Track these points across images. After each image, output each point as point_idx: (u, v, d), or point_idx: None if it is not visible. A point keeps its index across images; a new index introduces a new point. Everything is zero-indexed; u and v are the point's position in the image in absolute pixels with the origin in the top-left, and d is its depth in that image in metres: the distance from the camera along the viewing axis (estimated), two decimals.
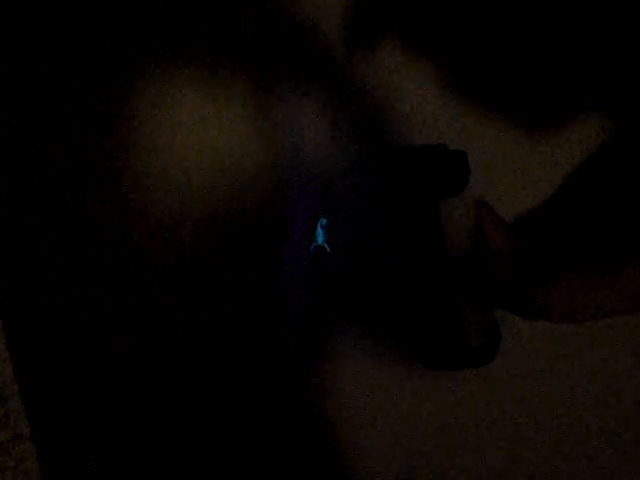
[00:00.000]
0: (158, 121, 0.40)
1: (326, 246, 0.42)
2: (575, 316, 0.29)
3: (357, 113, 0.40)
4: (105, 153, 0.40)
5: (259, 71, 0.40)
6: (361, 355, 0.43)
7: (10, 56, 0.40)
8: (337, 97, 0.40)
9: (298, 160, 0.41)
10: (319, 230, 0.42)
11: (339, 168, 0.41)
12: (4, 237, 0.42)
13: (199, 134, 0.41)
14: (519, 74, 0.39)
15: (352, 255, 0.42)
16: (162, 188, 0.41)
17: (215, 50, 0.40)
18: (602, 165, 0.38)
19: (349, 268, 0.42)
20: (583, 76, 0.36)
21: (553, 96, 0.38)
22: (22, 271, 0.43)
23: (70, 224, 0.41)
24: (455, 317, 0.36)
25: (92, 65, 0.39)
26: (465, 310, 0.36)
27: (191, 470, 0.45)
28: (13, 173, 0.41)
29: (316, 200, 0.42)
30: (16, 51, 0.40)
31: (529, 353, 0.43)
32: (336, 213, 0.42)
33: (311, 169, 0.41)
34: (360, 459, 0.45)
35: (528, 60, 0.38)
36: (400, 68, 0.40)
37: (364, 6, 0.39)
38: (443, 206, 0.34)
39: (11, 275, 0.43)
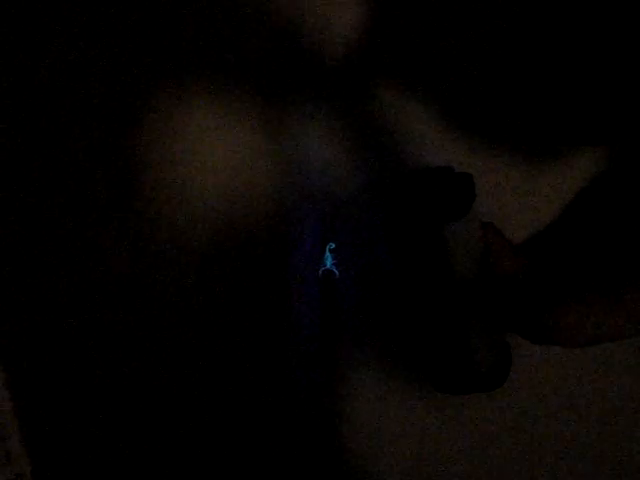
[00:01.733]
0: (166, 141, 0.40)
1: (334, 270, 0.42)
2: (579, 340, 0.30)
3: (365, 136, 0.40)
4: (112, 168, 0.40)
5: (268, 94, 0.39)
6: (371, 378, 0.43)
7: (18, 67, 0.39)
8: (345, 120, 0.40)
9: (306, 183, 0.41)
10: (327, 254, 0.42)
11: (347, 191, 0.41)
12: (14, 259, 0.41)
13: (206, 156, 0.40)
14: (526, 97, 0.39)
15: (361, 279, 0.42)
16: (164, 207, 0.41)
17: (226, 71, 0.39)
18: (604, 190, 0.38)
19: (358, 292, 0.42)
20: (588, 102, 0.36)
21: (560, 122, 0.39)
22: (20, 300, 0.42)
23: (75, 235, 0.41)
24: (463, 341, 0.36)
25: (101, 81, 0.39)
26: (474, 334, 0.36)
27: None
28: (23, 185, 0.40)
29: (324, 224, 0.41)
30: (22, 60, 0.39)
31: (541, 376, 0.43)
32: (344, 237, 0.41)
33: (319, 192, 0.41)
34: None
35: (535, 83, 0.39)
36: (407, 91, 0.39)
37: (370, 28, 0.39)
38: (450, 228, 0.34)
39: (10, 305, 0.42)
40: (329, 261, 0.41)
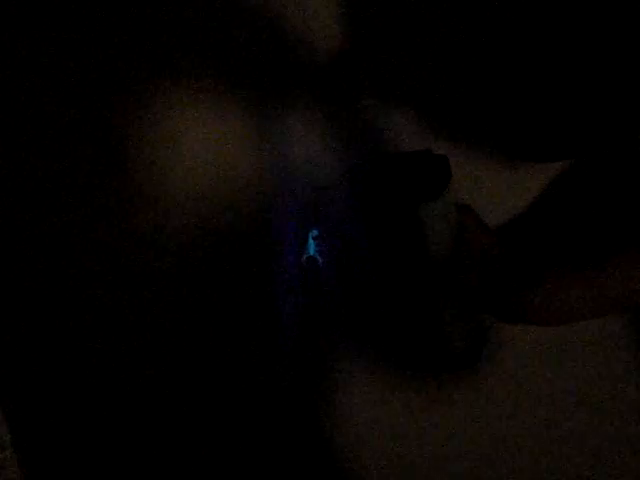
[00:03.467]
0: (157, 138, 0.41)
1: (317, 257, 0.42)
2: (555, 318, 0.30)
3: (347, 125, 0.41)
4: (104, 168, 0.40)
5: (253, 86, 0.40)
6: (357, 368, 0.43)
7: (19, 76, 0.40)
8: (327, 109, 0.41)
9: (289, 172, 0.42)
10: (310, 241, 0.42)
11: (330, 179, 0.41)
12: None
13: (191, 144, 0.41)
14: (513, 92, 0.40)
15: (343, 264, 0.42)
16: (152, 200, 0.41)
17: (212, 70, 0.40)
18: (586, 171, 0.39)
19: (341, 277, 0.42)
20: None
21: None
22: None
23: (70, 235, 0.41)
24: (436, 320, 0.37)
25: (95, 83, 0.40)
26: (448, 313, 0.37)
27: None
28: (23, 195, 0.40)
29: (307, 212, 0.42)
30: (23, 68, 0.40)
31: (531, 368, 0.43)
32: (326, 224, 0.42)
33: (302, 180, 0.41)
34: None
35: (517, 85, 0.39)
36: (389, 80, 0.41)
37: (353, 24, 0.40)
38: (425, 208, 0.35)
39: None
40: (312, 248, 0.42)
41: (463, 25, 0.40)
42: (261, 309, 0.42)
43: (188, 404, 0.42)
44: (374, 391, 0.43)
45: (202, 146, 0.41)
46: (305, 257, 0.42)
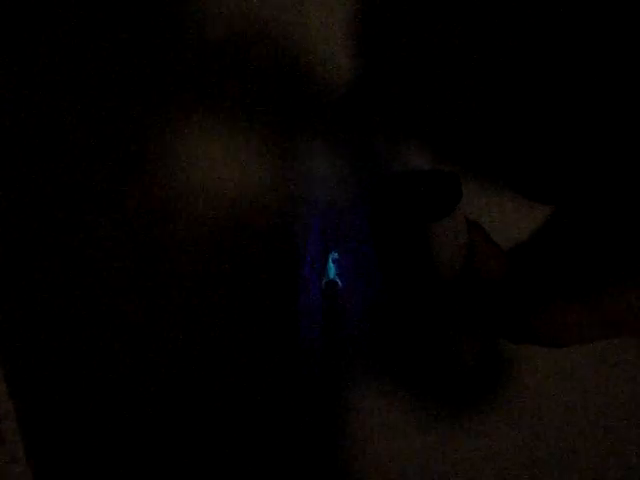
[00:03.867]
0: (175, 152, 0.38)
1: (338, 280, 0.39)
2: (560, 340, 0.31)
3: (367, 144, 0.38)
4: (113, 164, 0.39)
5: (271, 104, 0.38)
6: (374, 392, 0.42)
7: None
8: (345, 128, 0.38)
9: (308, 193, 0.39)
10: (330, 264, 0.39)
11: (349, 200, 0.39)
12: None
13: (209, 162, 0.38)
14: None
15: (364, 288, 0.40)
16: (164, 207, 0.39)
17: (232, 85, 0.38)
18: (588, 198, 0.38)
19: (362, 301, 0.40)
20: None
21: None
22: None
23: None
24: (446, 337, 0.37)
25: (114, 96, 0.38)
26: (457, 330, 0.36)
27: None
28: (21, 179, 0.39)
29: (327, 234, 0.39)
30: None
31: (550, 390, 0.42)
32: (347, 246, 0.39)
33: (321, 202, 0.39)
34: None
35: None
36: (403, 98, 0.38)
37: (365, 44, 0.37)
38: (434, 227, 0.33)
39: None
40: (332, 272, 0.39)
41: (475, 50, 0.38)
42: (279, 333, 0.40)
43: (195, 413, 0.42)
44: (389, 416, 0.42)
45: (221, 163, 0.38)
46: (325, 281, 0.39)
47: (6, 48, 0.37)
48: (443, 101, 0.38)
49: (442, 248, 0.34)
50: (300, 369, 0.41)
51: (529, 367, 0.42)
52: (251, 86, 0.38)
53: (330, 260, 0.38)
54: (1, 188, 0.39)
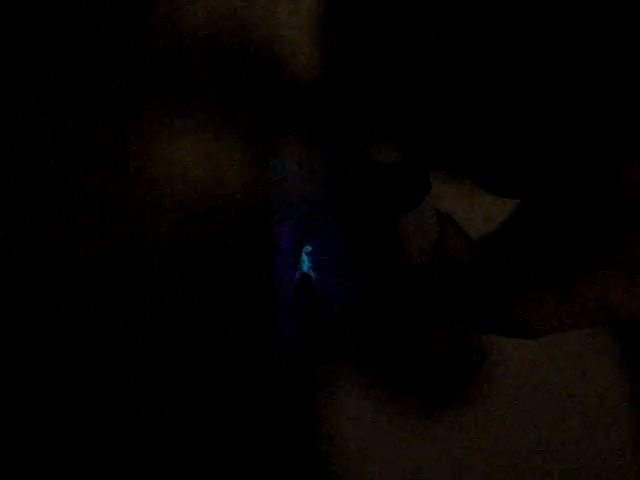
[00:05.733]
0: (150, 150, 0.38)
1: (311, 273, 0.39)
2: (531, 331, 0.30)
3: (340, 135, 0.38)
4: (95, 190, 0.38)
5: (244, 97, 0.37)
6: (353, 390, 0.42)
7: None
8: (321, 121, 0.37)
9: (280, 186, 0.38)
10: (304, 257, 0.39)
11: (320, 195, 0.38)
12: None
13: (179, 155, 0.38)
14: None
15: (337, 280, 0.39)
16: (143, 208, 0.39)
17: (209, 85, 0.37)
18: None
19: (336, 295, 0.40)
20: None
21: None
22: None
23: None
24: (418, 330, 0.37)
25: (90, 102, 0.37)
26: (429, 323, 0.36)
27: None
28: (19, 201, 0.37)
29: (300, 227, 0.39)
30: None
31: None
32: (320, 239, 0.39)
33: (294, 195, 0.38)
34: None
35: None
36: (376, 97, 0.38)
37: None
38: (402, 219, 0.33)
39: None
40: (306, 265, 0.39)
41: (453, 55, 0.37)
42: (252, 327, 0.40)
43: (177, 422, 0.41)
44: (371, 420, 0.42)
45: (194, 159, 0.38)
46: (298, 274, 0.39)
47: None
48: (412, 94, 0.38)
49: (411, 241, 0.34)
50: (275, 362, 0.40)
51: (504, 358, 0.42)
52: (223, 83, 0.37)
53: (303, 253, 0.38)
54: None
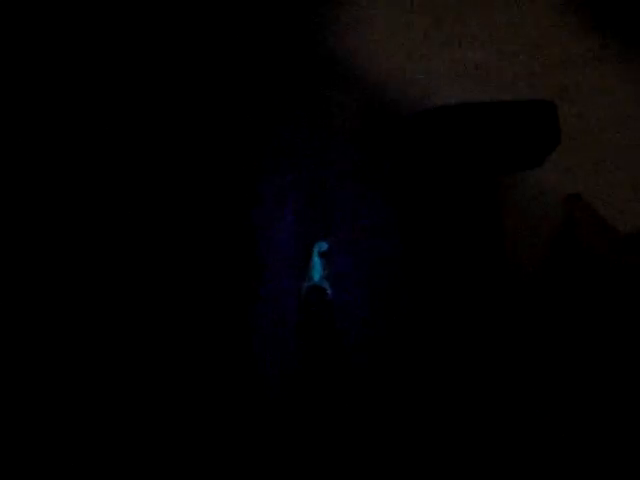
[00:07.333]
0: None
1: (326, 285, 0.26)
2: None
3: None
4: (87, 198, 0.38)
5: (259, 79, 0.35)
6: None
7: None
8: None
9: (291, 163, 0.32)
10: (316, 260, 0.26)
11: (342, 174, 0.31)
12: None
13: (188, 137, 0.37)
14: None
15: (364, 297, 0.27)
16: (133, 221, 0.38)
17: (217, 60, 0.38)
18: None
19: (367, 321, 0.27)
20: None
21: None
22: None
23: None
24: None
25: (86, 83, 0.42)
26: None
27: None
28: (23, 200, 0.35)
29: (312, 215, 0.28)
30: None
31: None
32: (343, 232, 0.27)
33: (305, 176, 0.31)
34: None
35: None
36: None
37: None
38: (512, 183, 0.23)
39: None
40: (317, 272, 0.26)
41: None
42: (242, 357, 0.30)
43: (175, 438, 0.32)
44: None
45: (199, 139, 0.35)
46: (306, 286, 0.26)
47: None
48: None
49: (517, 214, 0.24)
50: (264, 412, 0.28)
51: None
52: (239, 56, 0.36)
53: (315, 253, 0.26)
54: None
